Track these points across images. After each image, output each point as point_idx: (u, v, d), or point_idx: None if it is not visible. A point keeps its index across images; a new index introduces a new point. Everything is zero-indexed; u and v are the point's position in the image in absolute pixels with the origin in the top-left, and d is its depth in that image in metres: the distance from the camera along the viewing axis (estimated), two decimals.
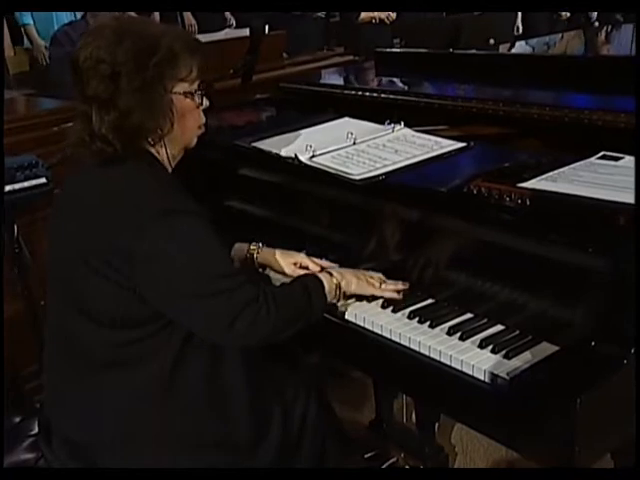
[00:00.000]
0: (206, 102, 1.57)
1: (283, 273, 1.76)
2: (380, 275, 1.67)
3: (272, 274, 1.79)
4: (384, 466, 2.19)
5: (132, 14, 3.74)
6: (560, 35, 4.04)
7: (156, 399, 1.49)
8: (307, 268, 1.75)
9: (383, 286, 1.64)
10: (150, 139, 1.49)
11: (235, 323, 1.41)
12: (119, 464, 1.51)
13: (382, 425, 2.33)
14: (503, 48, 3.35)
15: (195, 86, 1.52)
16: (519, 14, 6.48)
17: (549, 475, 1.41)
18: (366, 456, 2.23)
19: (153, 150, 1.51)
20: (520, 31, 6.53)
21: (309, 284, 1.57)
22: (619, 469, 1.69)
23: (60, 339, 1.57)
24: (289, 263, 1.76)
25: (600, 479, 1.31)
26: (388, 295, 1.62)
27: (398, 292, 1.63)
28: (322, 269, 1.71)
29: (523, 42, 3.66)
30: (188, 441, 1.52)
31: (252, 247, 1.80)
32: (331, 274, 1.62)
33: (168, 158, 1.54)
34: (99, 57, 1.40)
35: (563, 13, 6.92)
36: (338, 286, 1.60)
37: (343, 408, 2.31)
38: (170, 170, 1.56)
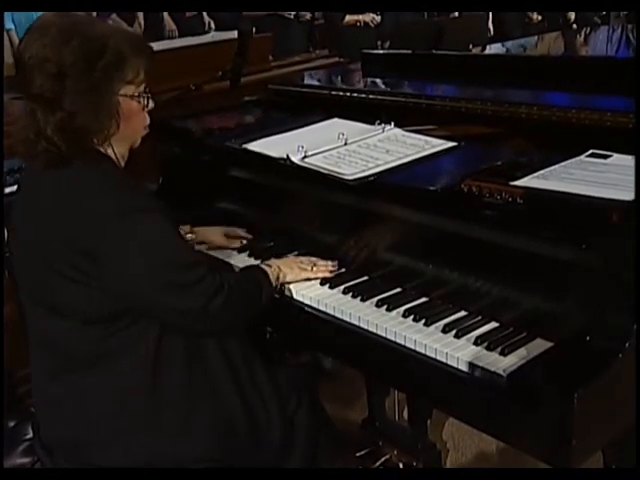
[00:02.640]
0: (151, 104, 1.58)
1: (218, 247, 1.97)
2: (310, 258, 1.78)
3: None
4: (377, 463, 2.20)
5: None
6: (536, 37, 4.07)
7: (142, 389, 1.50)
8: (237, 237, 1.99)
9: (315, 269, 1.74)
10: (96, 140, 1.49)
11: (203, 312, 1.48)
12: (114, 460, 1.51)
13: (374, 423, 2.35)
14: (475, 51, 3.37)
15: (141, 88, 1.54)
16: (490, 17, 6.51)
17: (547, 475, 1.43)
18: (359, 454, 2.24)
19: (102, 149, 1.52)
20: (491, 33, 6.57)
21: (258, 276, 1.67)
22: (619, 469, 1.71)
23: (40, 340, 1.57)
24: (220, 236, 1.98)
25: (600, 479, 1.33)
26: (321, 276, 1.73)
27: (331, 272, 1.75)
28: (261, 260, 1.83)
29: (499, 44, 3.69)
30: (178, 430, 1.52)
31: (186, 232, 1.92)
32: (270, 265, 1.72)
33: (116, 157, 1.54)
34: (45, 56, 1.40)
35: (534, 17, 6.99)
36: (278, 276, 1.70)
37: (335, 407, 2.32)
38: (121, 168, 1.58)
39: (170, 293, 1.45)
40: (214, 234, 1.99)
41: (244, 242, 1.99)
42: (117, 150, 1.53)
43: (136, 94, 1.52)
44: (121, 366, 1.49)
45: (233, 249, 1.97)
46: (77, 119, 1.42)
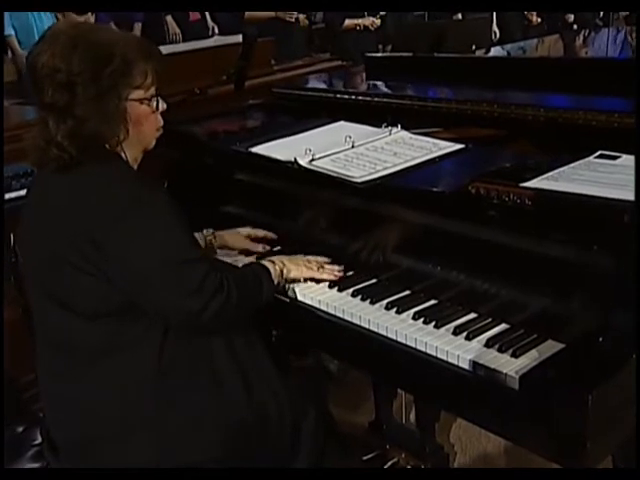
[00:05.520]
0: (163, 105, 1.61)
1: (240, 250, 1.92)
2: (318, 258, 1.77)
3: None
4: (385, 467, 2.19)
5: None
6: (536, 40, 4.09)
7: (149, 384, 1.52)
8: (259, 239, 1.94)
9: (321, 270, 1.73)
10: (108, 145, 1.52)
11: (203, 313, 1.48)
12: (123, 459, 1.52)
13: (382, 426, 2.34)
14: (479, 53, 3.38)
15: (151, 91, 1.56)
16: (494, 20, 6.54)
17: (549, 475, 1.43)
18: (366, 457, 2.23)
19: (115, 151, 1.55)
20: (497, 36, 6.60)
21: (259, 272, 1.66)
22: (619, 469, 1.71)
23: (49, 337, 1.59)
24: (243, 239, 1.93)
25: (600, 479, 1.32)
26: (326, 277, 1.72)
27: (336, 275, 1.73)
28: (263, 255, 1.85)
29: (499, 47, 3.70)
30: (187, 428, 1.53)
31: (207, 235, 1.91)
32: (273, 262, 1.70)
33: (128, 160, 1.57)
34: (55, 66, 1.44)
35: (534, 19, 7.03)
36: (281, 272, 1.69)
37: (342, 410, 2.32)
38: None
39: (169, 290, 1.47)
40: (236, 238, 1.95)
41: (267, 247, 1.94)
42: (129, 154, 1.56)
43: (146, 98, 1.55)
44: (128, 361, 1.51)
45: (257, 252, 1.92)
46: (87, 126, 1.46)
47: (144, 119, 1.56)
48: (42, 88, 1.46)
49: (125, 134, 1.52)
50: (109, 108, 1.48)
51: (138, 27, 5.52)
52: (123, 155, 1.55)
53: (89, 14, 3.61)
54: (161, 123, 1.62)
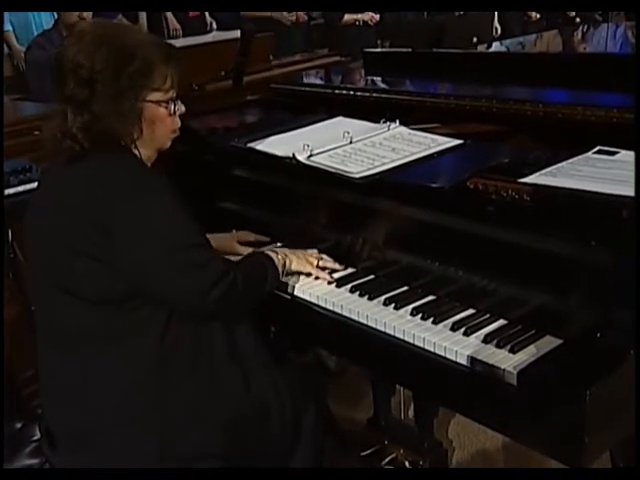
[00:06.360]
0: (182, 108, 1.63)
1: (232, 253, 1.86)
2: (317, 253, 1.78)
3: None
4: (383, 463, 2.20)
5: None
6: (535, 35, 4.09)
7: (150, 374, 1.52)
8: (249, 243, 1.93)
9: (321, 263, 1.75)
10: (123, 142, 1.54)
11: (210, 294, 1.50)
12: (122, 452, 1.52)
13: (380, 422, 2.34)
14: (481, 48, 3.38)
15: (170, 95, 1.59)
16: (496, 16, 6.53)
17: (549, 475, 1.43)
18: (365, 453, 2.23)
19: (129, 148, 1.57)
20: (499, 32, 6.60)
21: (263, 261, 1.68)
22: (619, 469, 1.70)
23: (51, 325, 1.59)
24: (232, 243, 1.92)
25: (600, 479, 1.33)
26: (322, 276, 1.73)
27: (331, 273, 1.74)
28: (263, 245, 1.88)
29: (498, 43, 3.70)
30: (186, 421, 1.53)
31: None
32: (276, 252, 1.72)
33: (141, 158, 1.58)
34: (79, 62, 1.48)
35: (533, 14, 7.03)
36: (284, 263, 1.71)
37: (340, 406, 2.32)
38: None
39: (176, 273, 1.49)
40: (225, 241, 1.92)
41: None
42: (143, 152, 1.59)
43: (163, 100, 1.57)
44: (129, 349, 1.52)
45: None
46: (102, 122, 1.49)
47: (159, 121, 1.58)
48: (65, 81, 1.49)
49: (139, 133, 1.55)
50: (125, 107, 1.51)
51: (144, 17, 5.54)
52: (137, 152, 1.57)
53: None
54: (178, 125, 1.64)
